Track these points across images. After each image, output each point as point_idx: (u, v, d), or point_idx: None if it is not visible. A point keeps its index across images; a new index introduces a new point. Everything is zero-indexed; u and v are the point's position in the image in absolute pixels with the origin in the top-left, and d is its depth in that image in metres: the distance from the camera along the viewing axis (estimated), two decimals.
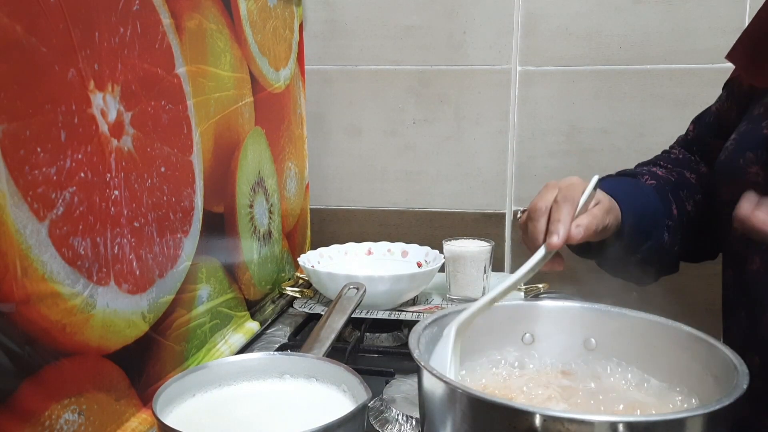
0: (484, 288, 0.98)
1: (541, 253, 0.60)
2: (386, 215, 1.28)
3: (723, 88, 0.83)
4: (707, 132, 0.84)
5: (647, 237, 0.75)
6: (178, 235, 0.71)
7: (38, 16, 0.47)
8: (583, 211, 0.63)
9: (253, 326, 0.91)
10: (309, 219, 1.24)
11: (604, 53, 1.17)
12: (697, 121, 0.86)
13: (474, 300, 0.97)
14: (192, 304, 0.74)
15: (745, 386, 0.45)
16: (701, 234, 0.80)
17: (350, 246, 1.08)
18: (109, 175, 0.57)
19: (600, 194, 0.68)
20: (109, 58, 0.57)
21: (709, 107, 0.85)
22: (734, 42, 0.77)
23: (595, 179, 0.62)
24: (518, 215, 0.68)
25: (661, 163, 0.85)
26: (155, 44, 0.65)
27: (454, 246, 0.98)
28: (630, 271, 0.78)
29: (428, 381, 0.49)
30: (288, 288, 1.03)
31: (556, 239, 0.59)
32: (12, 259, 0.45)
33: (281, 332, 0.95)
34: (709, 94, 1.16)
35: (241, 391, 0.57)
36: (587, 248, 0.74)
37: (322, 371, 0.57)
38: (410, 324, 0.92)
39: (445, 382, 0.46)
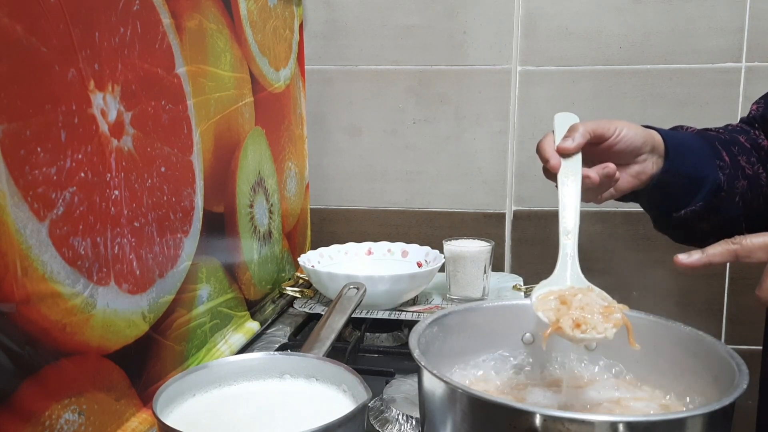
0: (483, 288, 0.98)
1: (561, 181, 0.65)
2: (386, 215, 1.28)
3: None
4: None
5: (700, 173, 0.73)
6: (178, 235, 0.71)
7: (38, 16, 0.47)
8: None
9: (253, 326, 0.91)
10: (309, 219, 1.24)
11: (604, 53, 1.17)
12: (762, 99, 0.84)
13: (474, 300, 0.98)
14: (192, 304, 0.74)
15: (745, 386, 0.45)
16: (760, 201, 0.78)
17: (350, 246, 1.08)
18: (109, 175, 0.57)
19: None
20: (109, 58, 0.57)
21: None
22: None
23: (556, 115, 0.69)
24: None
25: (711, 128, 0.84)
26: (155, 44, 0.65)
27: (454, 246, 0.98)
28: (694, 225, 0.76)
29: (428, 381, 0.49)
30: (288, 288, 1.03)
31: (553, 162, 0.65)
32: (12, 259, 0.45)
33: (281, 332, 0.95)
34: (709, 94, 1.16)
35: (241, 391, 0.57)
36: (657, 198, 0.75)
37: (322, 371, 0.57)
38: (410, 324, 0.92)
39: (445, 382, 0.46)
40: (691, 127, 0.82)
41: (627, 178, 0.72)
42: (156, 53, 0.65)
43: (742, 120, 0.86)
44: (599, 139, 0.68)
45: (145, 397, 0.63)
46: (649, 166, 0.72)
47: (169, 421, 0.50)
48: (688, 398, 0.53)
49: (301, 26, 1.17)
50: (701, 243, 0.82)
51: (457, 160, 1.25)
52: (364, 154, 1.27)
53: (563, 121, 0.69)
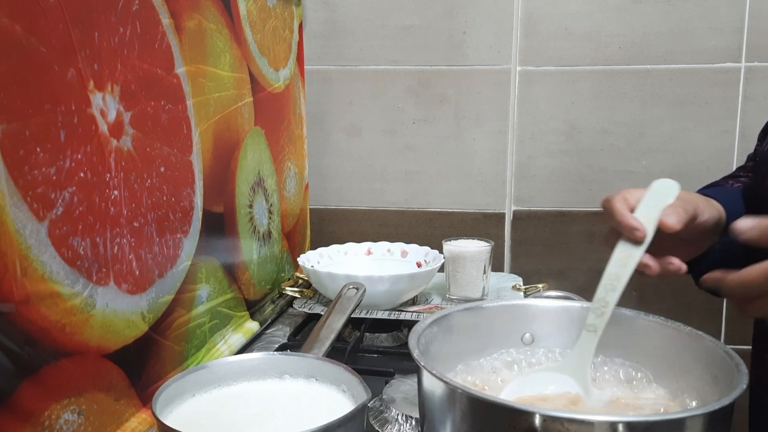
0: (483, 288, 0.98)
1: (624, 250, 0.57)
2: (386, 215, 1.28)
3: None
4: None
5: None
6: (178, 235, 0.71)
7: (38, 16, 0.47)
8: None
9: (252, 326, 0.90)
10: (309, 219, 1.24)
11: (604, 53, 1.17)
12: (763, 132, 0.82)
13: (474, 300, 0.98)
14: (192, 304, 0.74)
15: (744, 386, 0.45)
16: None
17: (350, 246, 1.08)
18: (108, 175, 0.57)
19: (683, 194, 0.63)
20: (109, 58, 0.57)
21: None
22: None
23: (655, 183, 0.59)
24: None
25: (741, 174, 0.82)
26: (155, 44, 0.65)
27: (453, 246, 0.98)
28: None
29: (428, 381, 0.49)
30: (288, 288, 1.03)
31: (641, 232, 0.56)
32: (12, 259, 0.45)
33: (281, 332, 0.95)
34: (708, 94, 1.16)
35: (241, 391, 0.56)
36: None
37: (322, 371, 0.57)
38: (410, 324, 0.92)
39: (445, 382, 0.46)
40: (735, 183, 0.79)
41: (685, 255, 0.64)
42: (155, 53, 0.65)
43: (749, 156, 0.85)
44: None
45: (145, 398, 0.63)
46: (704, 245, 0.67)
47: (169, 421, 0.50)
48: (688, 398, 0.53)
49: (300, 26, 1.17)
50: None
51: (456, 160, 1.25)
52: (364, 154, 1.27)
53: (662, 189, 0.59)
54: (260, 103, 0.95)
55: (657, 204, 0.58)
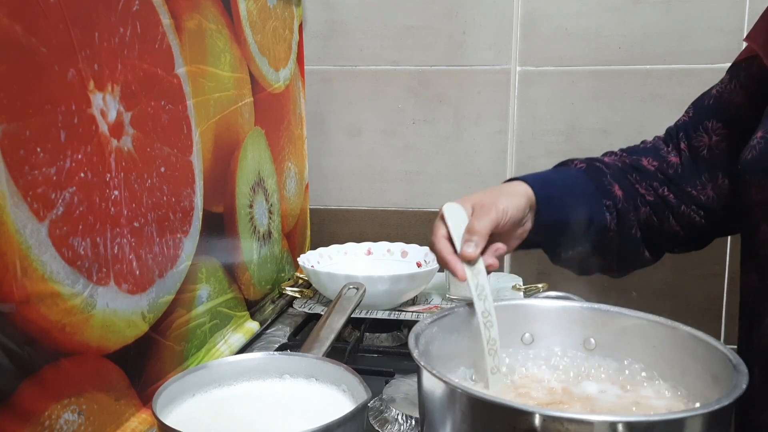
0: None
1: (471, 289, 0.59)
2: (386, 215, 1.28)
3: (727, 73, 0.81)
4: (705, 114, 0.79)
5: (581, 218, 0.72)
6: (178, 235, 0.71)
7: (38, 16, 0.47)
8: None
9: (252, 326, 0.91)
10: (309, 219, 1.24)
11: (603, 53, 1.17)
12: (694, 105, 0.83)
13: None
14: (192, 304, 0.74)
15: (744, 386, 0.45)
16: (671, 222, 0.77)
17: (350, 246, 1.08)
18: (108, 175, 0.57)
19: (478, 197, 0.67)
20: (109, 59, 0.57)
21: (708, 90, 0.82)
22: (730, 39, 0.75)
23: (444, 207, 0.63)
24: None
25: (616, 152, 0.83)
26: (155, 44, 0.65)
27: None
28: (589, 262, 0.76)
29: (428, 381, 0.49)
30: (288, 288, 1.03)
31: (461, 274, 0.60)
32: (12, 259, 0.45)
33: (281, 332, 0.95)
34: None
35: (241, 391, 0.57)
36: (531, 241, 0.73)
37: (322, 371, 0.57)
38: (410, 324, 0.92)
39: (445, 382, 0.46)
40: (580, 163, 0.80)
41: (513, 241, 0.69)
42: (155, 53, 0.65)
43: (668, 129, 0.84)
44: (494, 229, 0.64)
45: (145, 397, 0.63)
46: (529, 225, 0.70)
47: (169, 421, 0.50)
48: (687, 398, 0.53)
49: (300, 26, 1.17)
50: (606, 273, 0.82)
51: (456, 160, 1.25)
52: (364, 155, 1.27)
53: (453, 215, 0.62)
54: (260, 104, 0.95)
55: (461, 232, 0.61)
